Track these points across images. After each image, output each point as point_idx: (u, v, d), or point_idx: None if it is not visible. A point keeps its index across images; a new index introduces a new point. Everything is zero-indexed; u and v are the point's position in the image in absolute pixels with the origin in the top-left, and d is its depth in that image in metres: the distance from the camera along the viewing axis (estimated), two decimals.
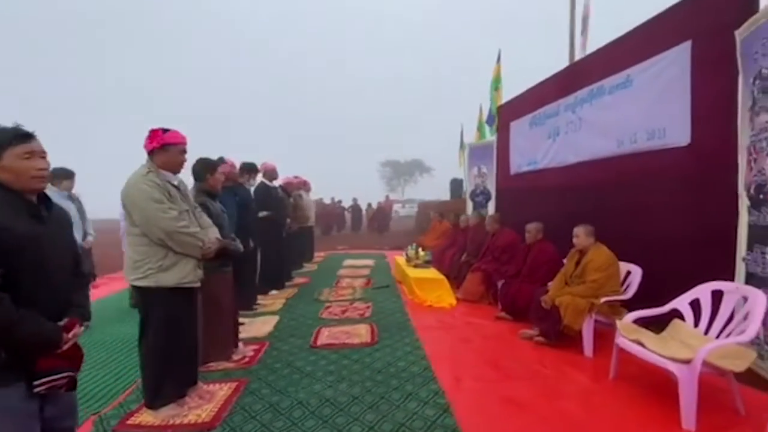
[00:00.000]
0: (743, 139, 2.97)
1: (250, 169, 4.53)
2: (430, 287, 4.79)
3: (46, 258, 1.39)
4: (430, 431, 2.08)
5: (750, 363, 2.23)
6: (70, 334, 1.42)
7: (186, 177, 2.92)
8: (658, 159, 3.73)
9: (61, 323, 1.41)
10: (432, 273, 5.10)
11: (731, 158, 3.05)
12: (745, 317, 2.34)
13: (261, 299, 4.94)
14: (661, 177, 3.72)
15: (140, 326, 2.28)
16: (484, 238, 5.28)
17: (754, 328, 2.24)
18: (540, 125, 5.96)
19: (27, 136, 1.35)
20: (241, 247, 3.17)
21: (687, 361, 2.17)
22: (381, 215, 15.03)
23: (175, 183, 2.37)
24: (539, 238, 4.16)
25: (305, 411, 2.31)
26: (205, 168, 3.00)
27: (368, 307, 4.51)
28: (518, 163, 6.64)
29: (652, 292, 3.18)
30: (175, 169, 2.38)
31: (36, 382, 1.33)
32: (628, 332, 2.57)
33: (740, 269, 2.97)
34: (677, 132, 3.54)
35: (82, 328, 1.50)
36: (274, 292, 5.31)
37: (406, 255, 5.72)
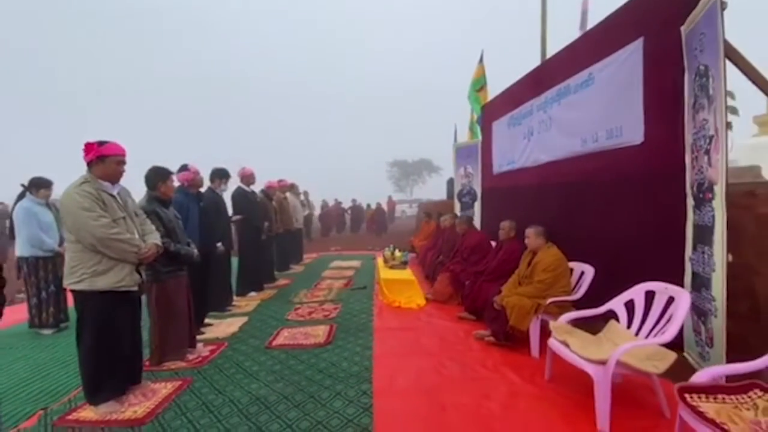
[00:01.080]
0: (689, 138, 2.93)
1: (220, 174, 4.66)
2: (399, 288, 4.83)
3: None
4: (342, 428, 2.15)
5: (669, 364, 2.21)
6: None
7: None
8: (617, 158, 3.69)
9: None
10: (403, 274, 5.15)
11: (680, 157, 3.02)
12: (670, 318, 2.32)
13: (237, 301, 5.08)
14: (619, 176, 3.68)
15: (76, 327, 2.41)
16: (456, 239, 5.30)
17: (673, 329, 2.23)
18: (517, 125, 5.94)
19: None
20: (194, 251, 3.30)
21: (602, 362, 2.18)
22: (380, 216, 15.08)
23: (113, 192, 2.50)
24: (511, 236, 4.17)
25: (233, 409, 2.40)
26: (156, 176, 3.13)
27: (336, 309, 4.58)
28: (499, 163, 6.61)
29: (606, 292, 3.16)
30: (113, 179, 2.51)
31: None
32: (558, 333, 2.57)
33: (688, 269, 2.93)
34: (632, 130, 3.50)
35: None
36: (252, 293, 5.44)
37: (383, 256, 5.78)
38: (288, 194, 7.36)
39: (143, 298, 2.79)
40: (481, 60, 7.76)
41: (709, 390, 1.82)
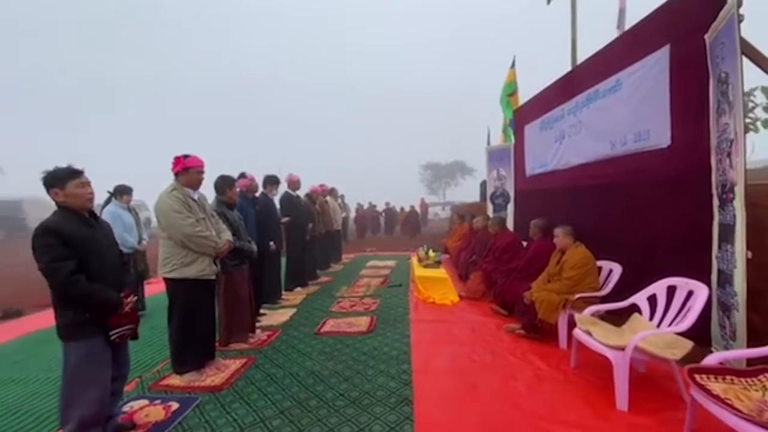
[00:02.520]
0: (714, 141, 3.06)
1: (272, 181, 5.19)
2: (433, 286, 5.14)
3: (101, 252, 2.05)
4: (386, 398, 2.51)
5: (686, 352, 2.39)
6: (128, 300, 2.10)
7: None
8: (645, 160, 3.83)
9: (122, 294, 2.08)
10: (437, 273, 5.44)
11: (706, 159, 3.14)
12: (689, 310, 2.50)
13: (286, 295, 5.59)
14: (647, 178, 3.81)
15: (168, 310, 2.93)
16: (488, 239, 5.53)
17: (690, 319, 2.42)
18: (549, 128, 6.09)
19: (79, 172, 2.01)
20: (254, 248, 3.79)
21: (621, 348, 2.40)
22: (413, 218, 15.40)
23: (195, 197, 3.01)
24: (538, 235, 4.38)
25: (293, 380, 2.83)
26: (224, 183, 3.65)
27: (375, 303, 4.97)
28: (532, 166, 6.76)
29: (633, 289, 3.32)
30: (195, 186, 3.02)
31: (111, 333, 2.02)
32: (583, 323, 2.80)
33: (714, 267, 3.05)
34: (659, 133, 3.63)
35: (135, 297, 2.18)
36: (298, 288, 5.95)
37: (418, 256, 6.10)
38: (328, 198, 7.86)
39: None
40: (512, 65, 7.93)
41: (719, 371, 2.02)
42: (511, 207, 7.91)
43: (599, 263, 3.74)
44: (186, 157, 2.97)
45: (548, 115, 6.07)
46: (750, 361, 2.25)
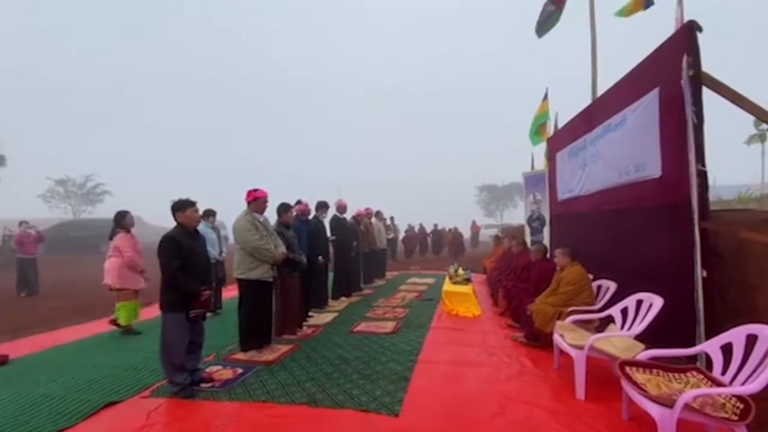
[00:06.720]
0: (691, 173, 3.46)
1: (322, 205, 6.26)
2: (458, 299, 5.75)
3: (196, 257, 3.12)
4: (391, 376, 3.27)
5: (635, 354, 2.83)
6: (205, 293, 3.12)
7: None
8: (642, 189, 4.22)
9: (202, 288, 3.11)
10: (463, 288, 6.03)
11: (688, 189, 3.54)
12: (644, 318, 2.94)
13: (332, 302, 6.54)
14: (645, 204, 4.19)
15: (238, 303, 3.99)
16: (513, 259, 6.02)
17: (642, 325, 2.88)
18: (575, 156, 6.49)
19: (194, 203, 3.12)
20: (305, 260, 4.79)
21: (580, 347, 2.91)
22: (457, 239, 15.82)
23: (261, 220, 4.09)
24: (539, 258, 4.87)
25: (325, 360, 3.69)
26: (283, 209, 4.73)
27: (404, 312, 5.71)
28: (562, 191, 7.12)
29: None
30: (261, 211, 4.11)
31: (190, 312, 3.04)
32: (560, 329, 3.31)
33: (696, 286, 3.40)
34: (653, 165, 4.04)
35: (210, 293, 3.21)
36: (343, 298, 6.88)
37: (449, 273, 6.73)
38: (373, 219, 8.82)
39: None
40: (545, 97, 8.39)
41: (647, 365, 2.50)
42: (546, 230, 8.21)
43: (599, 282, 4.15)
44: (256, 190, 4.08)
45: (574, 144, 6.49)
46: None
